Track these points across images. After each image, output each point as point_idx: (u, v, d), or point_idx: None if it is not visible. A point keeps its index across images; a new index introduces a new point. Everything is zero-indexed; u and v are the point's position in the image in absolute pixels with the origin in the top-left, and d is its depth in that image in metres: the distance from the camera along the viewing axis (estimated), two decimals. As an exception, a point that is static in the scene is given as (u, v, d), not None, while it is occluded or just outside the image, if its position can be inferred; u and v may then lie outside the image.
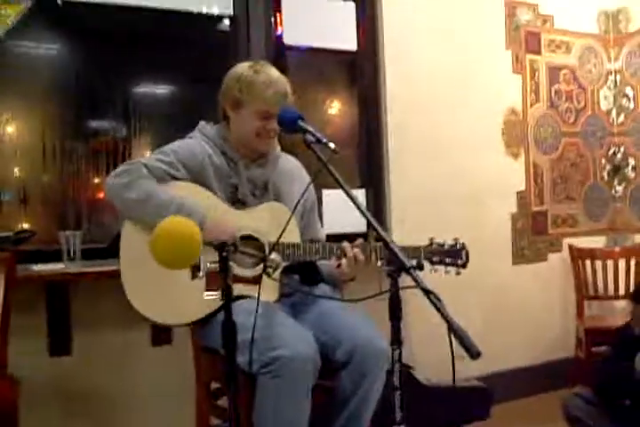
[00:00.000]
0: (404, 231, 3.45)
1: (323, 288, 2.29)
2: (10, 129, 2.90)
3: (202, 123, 2.34)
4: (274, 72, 2.26)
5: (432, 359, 3.14)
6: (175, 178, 2.17)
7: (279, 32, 3.39)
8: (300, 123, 2.08)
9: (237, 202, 2.23)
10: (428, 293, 1.49)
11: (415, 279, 1.58)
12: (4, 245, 1.75)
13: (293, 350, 1.93)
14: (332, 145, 2.04)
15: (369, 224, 1.79)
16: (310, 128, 2.07)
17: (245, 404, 1.96)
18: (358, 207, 1.84)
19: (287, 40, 3.40)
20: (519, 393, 3.81)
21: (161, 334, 2.88)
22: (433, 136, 3.70)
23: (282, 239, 2.01)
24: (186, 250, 1.41)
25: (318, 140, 2.02)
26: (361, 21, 3.60)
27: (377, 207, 3.54)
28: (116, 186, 2.12)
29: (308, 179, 2.40)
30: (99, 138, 3.11)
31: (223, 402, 2.26)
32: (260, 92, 2.19)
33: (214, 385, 2.32)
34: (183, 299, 2.11)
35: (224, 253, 1.50)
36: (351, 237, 2.25)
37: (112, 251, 2.69)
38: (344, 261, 2.15)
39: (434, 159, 3.69)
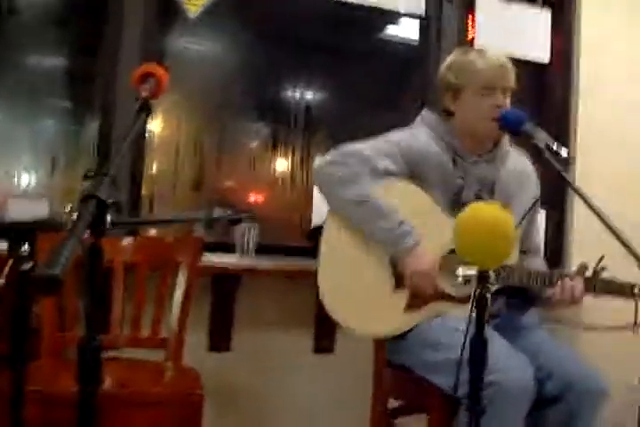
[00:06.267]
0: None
1: (532, 312, 2.05)
2: (171, 125, 2.94)
3: (425, 112, 2.12)
4: (488, 52, 2.05)
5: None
6: (392, 174, 1.97)
7: (470, 36, 3.22)
8: (526, 126, 1.91)
9: (458, 205, 1.92)
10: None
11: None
12: (216, 223, 1.63)
13: (509, 376, 1.71)
14: (564, 152, 1.85)
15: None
16: (538, 132, 1.89)
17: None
18: (611, 229, 1.67)
19: (477, 45, 3.21)
20: None
21: (324, 342, 2.74)
22: (625, 165, 3.33)
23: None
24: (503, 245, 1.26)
25: (548, 147, 1.85)
26: (555, 32, 3.35)
27: (557, 231, 3.26)
28: (329, 177, 1.97)
29: (538, 185, 2.19)
30: (272, 139, 3.09)
31: (400, 421, 2.09)
32: (473, 68, 2.00)
33: (391, 404, 2.13)
34: (378, 309, 1.95)
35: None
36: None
37: (288, 248, 2.63)
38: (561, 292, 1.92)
39: (624, 188, 3.34)
